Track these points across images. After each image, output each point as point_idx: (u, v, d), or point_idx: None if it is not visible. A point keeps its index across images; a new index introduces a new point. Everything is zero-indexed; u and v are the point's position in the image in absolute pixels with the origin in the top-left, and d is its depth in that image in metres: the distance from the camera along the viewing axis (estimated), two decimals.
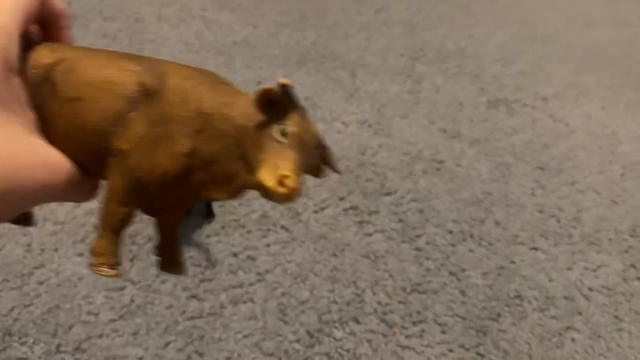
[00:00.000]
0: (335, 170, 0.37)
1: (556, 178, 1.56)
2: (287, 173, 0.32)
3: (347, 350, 1.07)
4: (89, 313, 1.08)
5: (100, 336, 1.04)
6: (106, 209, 0.34)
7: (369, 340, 1.09)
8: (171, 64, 0.34)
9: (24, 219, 0.39)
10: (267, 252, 1.24)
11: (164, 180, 0.34)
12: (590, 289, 1.27)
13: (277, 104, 0.33)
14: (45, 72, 0.32)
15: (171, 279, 1.15)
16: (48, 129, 0.33)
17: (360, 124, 1.64)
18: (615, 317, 1.22)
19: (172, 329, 1.07)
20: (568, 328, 1.18)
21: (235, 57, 1.82)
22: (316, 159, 0.36)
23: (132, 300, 1.11)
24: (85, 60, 0.33)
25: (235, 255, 1.22)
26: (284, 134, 0.33)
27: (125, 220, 0.35)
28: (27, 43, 0.32)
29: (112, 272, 0.34)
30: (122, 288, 1.12)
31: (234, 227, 1.28)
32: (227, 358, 1.03)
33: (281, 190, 0.32)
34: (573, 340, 1.16)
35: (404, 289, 1.20)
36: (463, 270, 1.25)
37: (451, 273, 1.24)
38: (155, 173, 0.33)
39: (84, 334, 1.04)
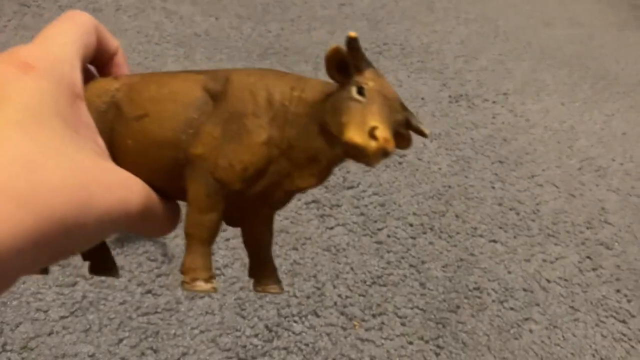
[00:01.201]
0: (422, 133, 0.34)
1: (515, 172, 1.57)
2: (375, 124, 0.30)
3: (307, 344, 1.06)
4: (38, 310, 1.03)
5: (50, 334, 1.00)
6: (191, 221, 0.32)
7: (328, 334, 1.08)
8: (231, 69, 0.33)
9: (107, 268, 0.36)
10: (226, 247, 1.21)
11: (245, 176, 0.31)
12: (548, 281, 1.29)
13: (347, 64, 0.30)
14: (110, 97, 0.32)
15: (126, 274, 1.11)
16: (119, 153, 0.32)
17: None
18: (572, 307, 1.24)
19: (125, 325, 1.03)
20: (526, 319, 1.19)
21: (195, 49, 1.79)
22: (400, 116, 0.32)
23: (84, 297, 1.07)
24: (147, 79, 0.32)
25: None
26: (361, 92, 0.31)
27: (213, 229, 0.32)
28: (87, 79, 0.33)
29: (207, 286, 0.32)
30: (74, 284, 1.08)
31: None
32: (182, 354, 1.01)
33: (373, 144, 0.29)
34: (531, 331, 1.17)
35: (364, 281, 1.19)
36: (423, 262, 1.25)
37: (411, 265, 1.24)
38: (235, 170, 0.31)
39: (32, 331, 1.00)
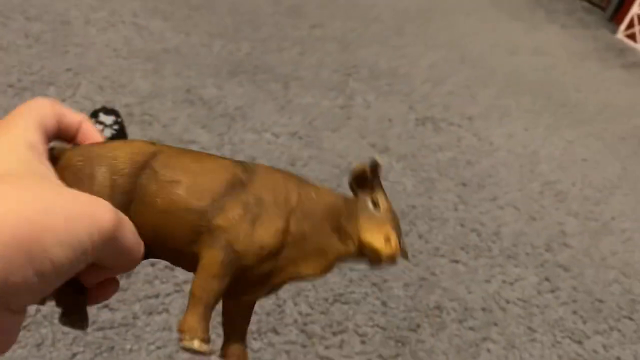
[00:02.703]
0: (405, 256, 0.39)
1: (478, 194, 1.60)
2: (390, 233, 0.35)
3: None
4: None
5: None
6: (199, 284, 0.34)
7: (287, 352, 1.08)
8: (258, 164, 0.38)
9: (76, 319, 0.36)
10: None
11: (260, 253, 0.34)
12: (507, 301, 1.31)
13: (366, 180, 0.38)
14: (148, 157, 0.35)
15: None
16: (143, 206, 0.34)
17: (291, 136, 1.64)
18: (529, 328, 1.26)
19: (80, 340, 1.01)
20: (484, 339, 1.21)
21: (165, 65, 1.79)
22: (400, 233, 0.38)
23: (37, 310, 1.04)
24: (183, 153, 0.36)
25: (152, 265, 1.18)
26: (375, 205, 0.37)
27: (218, 295, 0.35)
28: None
29: (205, 347, 0.33)
30: None
31: None
32: None
33: (388, 249, 0.35)
34: (489, 350, 1.18)
35: (326, 299, 1.19)
36: (385, 281, 1.26)
37: (373, 284, 1.25)
38: (253, 246, 0.34)
39: None
